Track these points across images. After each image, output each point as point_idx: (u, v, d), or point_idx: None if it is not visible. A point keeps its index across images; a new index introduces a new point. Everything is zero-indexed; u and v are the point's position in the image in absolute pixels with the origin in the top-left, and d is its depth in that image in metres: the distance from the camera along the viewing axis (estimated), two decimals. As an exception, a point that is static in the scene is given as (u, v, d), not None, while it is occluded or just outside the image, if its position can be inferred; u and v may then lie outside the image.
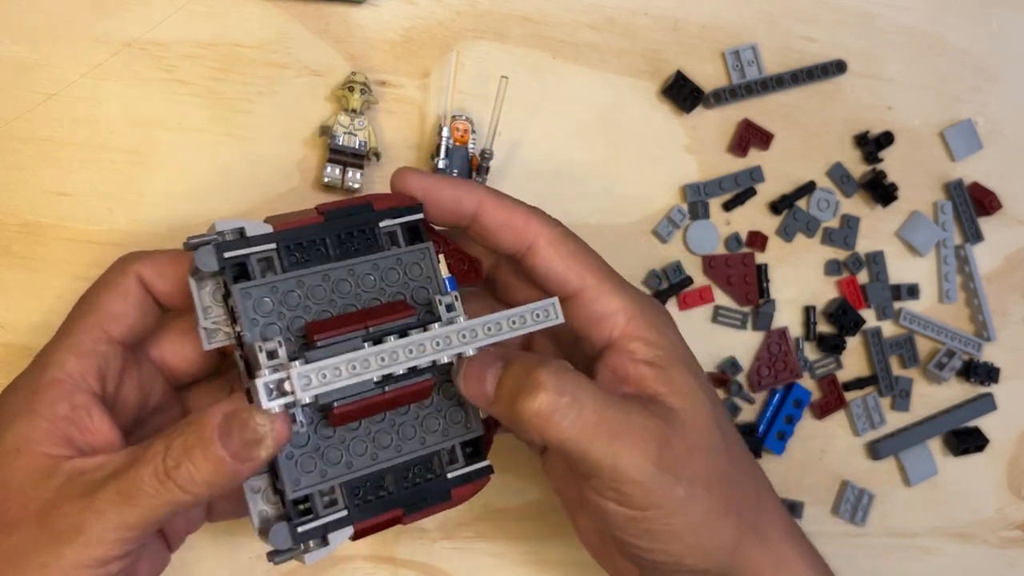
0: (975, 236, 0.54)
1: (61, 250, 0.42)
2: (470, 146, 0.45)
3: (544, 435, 0.32)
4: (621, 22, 0.49)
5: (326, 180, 0.43)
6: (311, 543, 0.33)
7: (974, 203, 0.54)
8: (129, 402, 0.35)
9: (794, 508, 0.51)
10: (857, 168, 0.53)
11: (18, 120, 0.41)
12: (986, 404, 0.54)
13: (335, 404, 0.32)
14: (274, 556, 0.32)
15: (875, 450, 0.52)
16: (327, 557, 0.44)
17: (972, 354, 0.54)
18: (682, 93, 0.49)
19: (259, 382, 0.30)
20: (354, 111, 0.43)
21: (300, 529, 0.32)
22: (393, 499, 0.34)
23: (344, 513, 0.33)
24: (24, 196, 0.41)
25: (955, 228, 0.54)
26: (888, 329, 0.53)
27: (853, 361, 0.53)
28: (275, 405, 0.30)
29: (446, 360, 0.33)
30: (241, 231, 0.33)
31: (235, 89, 0.44)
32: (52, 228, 0.41)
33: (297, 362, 0.30)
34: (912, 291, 0.53)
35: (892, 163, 0.53)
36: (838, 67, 0.52)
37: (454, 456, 0.36)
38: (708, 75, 0.50)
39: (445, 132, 0.44)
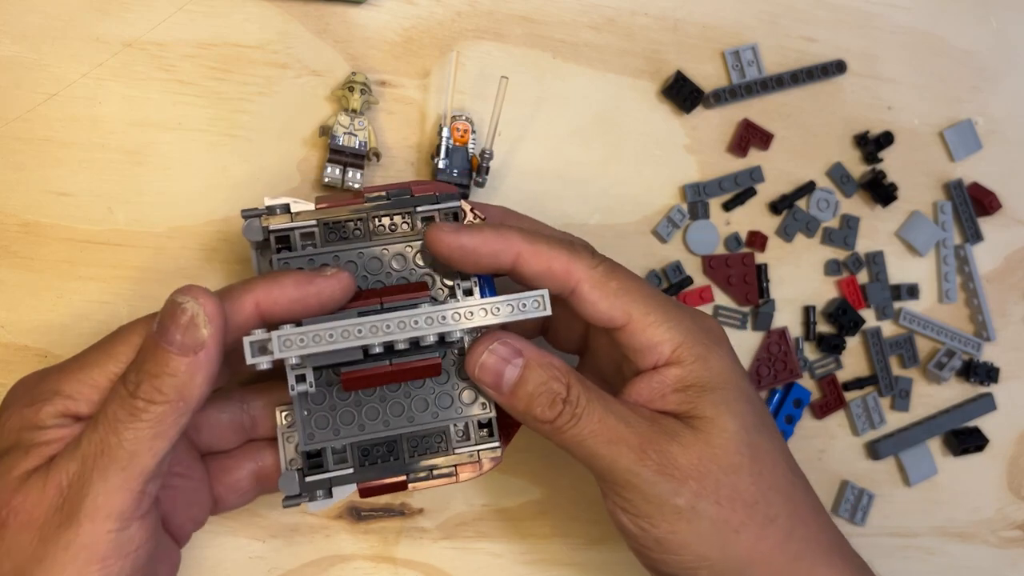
0: (975, 236, 0.54)
1: (61, 250, 0.42)
2: (470, 146, 0.45)
3: (550, 437, 0.35)
4: (621, 22, 0.49)
5: (326, 180, 0.43)
6: (318, 493, 0.36)
7: (974, 203, 0.54)
8: None
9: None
10: (857, 168, 0.53)
11: (18, 120, 0.41)
12: (986, 404, 0.54)
13: (342, 370, 0.35)
14: (284, 500, 0.36)
15: (875, 450, 0.52)
16: (328, 555, 0.44)
17: (972, 354, 0.54)
18: (682, 93, 0.49)
19: (245, 339, 0.32)
20: (354, 111, 0.43)
21: (308, 479, 0.36)
22: (400, 466, 0.37)
23: (351, 471, 0.36)
24: (24, 196, 0.41)
25: (955, 228, 0.54)
26: (888, 329, 0.53)
27: (853, 361, 0.53)
28: (260, 361, 0.32)
29: (432, 340, 0.34)
30: (287, 207, 0.36)
31: (235, 89, 0.44)
32: (52, 228, 0.41)
33: (290, 325, 0.32)
34: (912, 291, 0.53)
35: (892, 163, 0.53)
36: (838, 67, 0.52)
37: (467, 434, 0.37)
38: (708, 75, 0.50)
39: (445, 132, 0.44)
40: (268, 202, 0.36)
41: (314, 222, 0.36)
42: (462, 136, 0.45)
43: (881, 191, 0.52)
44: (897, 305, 0.53)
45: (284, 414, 0.38)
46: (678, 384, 0.36)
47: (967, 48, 0.55)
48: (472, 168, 0.45)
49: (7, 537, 0.30)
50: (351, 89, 0.43)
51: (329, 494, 0.36)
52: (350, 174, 0.43)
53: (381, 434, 0.36)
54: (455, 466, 0.37)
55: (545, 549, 0.47)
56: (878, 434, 0.53)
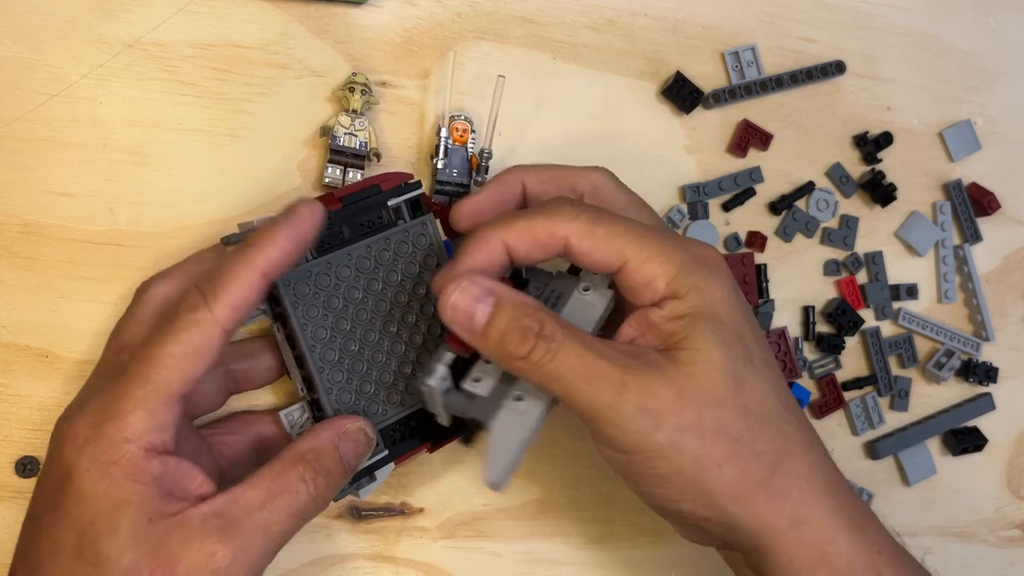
0: (974, 236, 0.54)
1: (62, 250, 0.42)
2: (469, 146, 0.45)
3: (529, 376, 0.34)
4: (621, 23, 0.49)
5: (327, 180, 0.43)
6: (363, 481, 0.40)
7: (973, 203, 0.54)
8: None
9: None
10: (856, 168, 0.53)
11: (19, 121, 0.41)
12: (985, 404, 0.54)
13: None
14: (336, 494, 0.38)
15: (874, 450, 0.53)
16: (329, 555, 0.44)
17: (971, 354, 0.54)
18: (682, 94, 0.49)
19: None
20: (355, 112, 0.43)
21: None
22: (420, 434, 0.41)
23: (385, 453, 0.40)
24: (25, 196, 0.41)
25: (954, 228, 0.54)
26: (887, 329, 0.53)
27: (852, 361, 0.53)
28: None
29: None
30: None
31: (236, 90, 0.44)
32: (53, 228, 0.42)
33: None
34: (911, 291, 0.53)
35: (891, 163, 0.53)
36: (837, 68, 0.52)
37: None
38: (708, 76, 0.50)
39: (444, 132, 0.45)
40: (246, 224, 0.37)
41: None
42: (461, 136, 0.45)
43: (880, 191, 0.52)
44: (896, 305, 0.53)
45: (287, 417, 0.40)
46: (669, 316, 0.35)
47: (966, 48, 0.55)
48: (471, 168, 0.45)
49: None
50: (351, 90, 0.43)
51: (373, 478, 0.40)
52: (351, 174, 0.43)
53: (401, 415, 0.40)
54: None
55: (545, 549, 0.47)
56: (877, 434, 0.53)
